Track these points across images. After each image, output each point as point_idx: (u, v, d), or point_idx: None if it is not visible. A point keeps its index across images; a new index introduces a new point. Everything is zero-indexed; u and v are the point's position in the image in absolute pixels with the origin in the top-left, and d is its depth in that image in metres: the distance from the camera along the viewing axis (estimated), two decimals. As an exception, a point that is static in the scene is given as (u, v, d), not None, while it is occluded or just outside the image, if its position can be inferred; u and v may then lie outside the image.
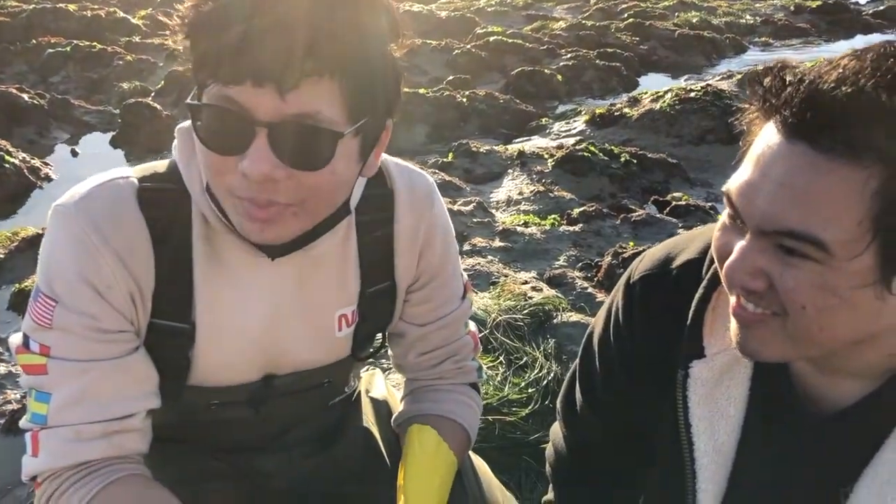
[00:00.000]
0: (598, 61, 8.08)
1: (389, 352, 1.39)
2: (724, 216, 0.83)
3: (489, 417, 2.22)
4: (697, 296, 0.94)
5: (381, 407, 1.44)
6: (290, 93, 0.86)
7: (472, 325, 1.39)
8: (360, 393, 1.44)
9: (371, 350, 1.30)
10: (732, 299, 0.83)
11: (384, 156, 1.23)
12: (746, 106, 0.81)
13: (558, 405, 1.33)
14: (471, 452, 1.41)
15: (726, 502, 0.97)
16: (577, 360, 1.22)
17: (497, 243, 3.61)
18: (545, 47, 8.87)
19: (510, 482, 2.03)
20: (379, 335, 1.32)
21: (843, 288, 0.72)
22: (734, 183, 0.79)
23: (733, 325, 0.83)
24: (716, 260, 0.84)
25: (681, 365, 0.93)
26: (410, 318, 1.29)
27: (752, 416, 0.93)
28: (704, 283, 0.94)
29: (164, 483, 1.13)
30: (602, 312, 1.15)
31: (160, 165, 1.10)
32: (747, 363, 0.92)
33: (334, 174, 0.94)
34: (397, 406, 1.41)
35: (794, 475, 0.92)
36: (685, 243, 1.05)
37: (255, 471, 1.29)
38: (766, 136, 0.77)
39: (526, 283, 3.16)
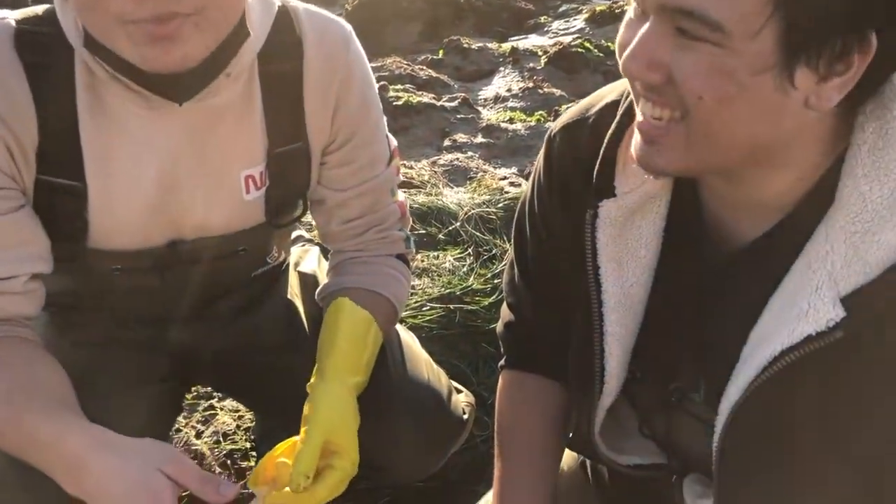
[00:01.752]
0: (604, -42, 7.72)
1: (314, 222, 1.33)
2: (629, 13, 0.76)
3: (451, 306, 2.18)
4: (609, 133, 0.88)
5: (307, 280, 1.39)
6: None
7: (401, 195, 1.32)
8: (288, 267, 1.39)
9: (291, 218, 1.24)
10: (639, 115, 0.77)
11: (294, 1, 1.14)
12: None
13: (504, 280, 1.27)
14: (399, 327, 1.37)
15: (637, 346, 0.93)
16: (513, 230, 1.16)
17: (479, 139, 3.51)
18: (550, -56, 8.47)
19: (468, 368, 2.00)
20: (300, 202, 1.25)
21: (742, 73, 0.66)
22: None
23: (636, 140, 0.78)
24: (619, 61, 0.76)
25: (590, 204, 0.87)
26: (329, 183, 1.22)
27: (664, 258, 0.88)
28: (617, 119, 0.88)
29: (62, 347, 1.09)
30: (530, 177, 1.09)
31: (39, 9, 1.01)
32: (659, 202, 0.87)
33: None
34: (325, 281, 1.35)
35: (702, 314, 0.87)
36: (609, 89, 0.97)
37: (170, 342, 1.26)
38: None
39: (504, 178, 3.07)
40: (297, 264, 1.42)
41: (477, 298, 2.23)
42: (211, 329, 1.28)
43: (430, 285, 2.28)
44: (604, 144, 0.88)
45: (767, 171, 0.76)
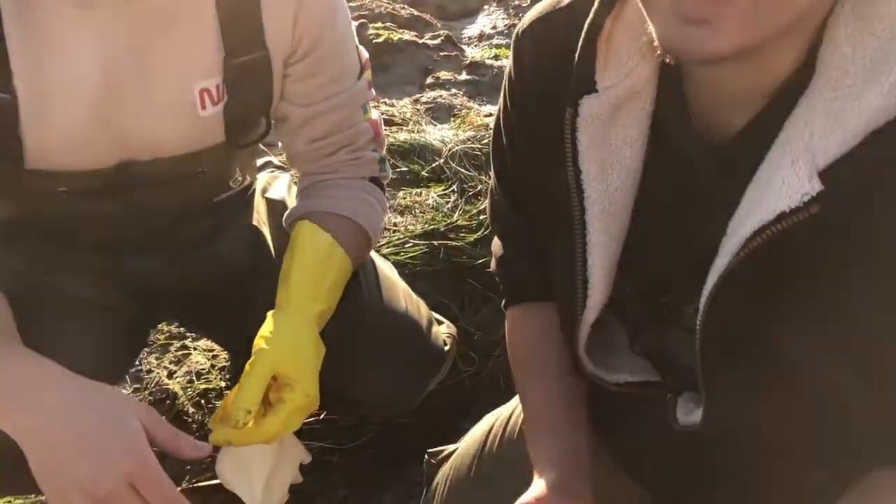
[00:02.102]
0: None
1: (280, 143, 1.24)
2: None
3: (434, 242, 2.10)
4: (587, 23, 0.78)
5: (276, 206, 1.30)
6: None
7: (375, 113, 1.23)
8: (254, 193, 1.31)
9: (254, 137, 1.15)
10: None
11: None
12: None
13: (488, 209, 1.19)
14: (376, 255, 1.29)
15: (626, 258, 0.85)
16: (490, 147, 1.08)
17: (463, 76, 3.40)
18: None
19: (453, 305, 1.94)
20: (263, 120, 1.16)
21: None
22: None
23: (668, 28, 0.66)
24: None
25: (569, 102, 0.78)
26: (293, 98, 1.13)
27: (650, 160, 0.80)
28: (595, 7, 0.78)
29: (4, 274, 1.01)
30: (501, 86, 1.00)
31: None
32: (644, 99, 0.78)
33: None
34: (295, 207, 1.27)
35: (692, 218, 0.80)
36: None
37: (127, 271, 1.18)
38: None
39: (490, 115, 2.97)
40: (264, 190, 1.34)
41: (462, 234, 2.15)
42: (171, 258, 1.20)
43: (413, 222, 2.20)
44: (582, 36, 0.79)
45: (788, 41, 0.67)
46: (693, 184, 0.80)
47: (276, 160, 1.46)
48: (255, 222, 1.26)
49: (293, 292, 1.01)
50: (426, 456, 1.41)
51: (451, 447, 1.39)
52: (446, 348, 1.26)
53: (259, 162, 1.40)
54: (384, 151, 1.24)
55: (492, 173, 1.05)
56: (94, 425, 0.78)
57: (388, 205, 1.42)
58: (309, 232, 1.07)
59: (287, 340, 0.96)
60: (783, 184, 0.65)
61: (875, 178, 0.63)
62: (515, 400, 1.28)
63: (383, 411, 1.22)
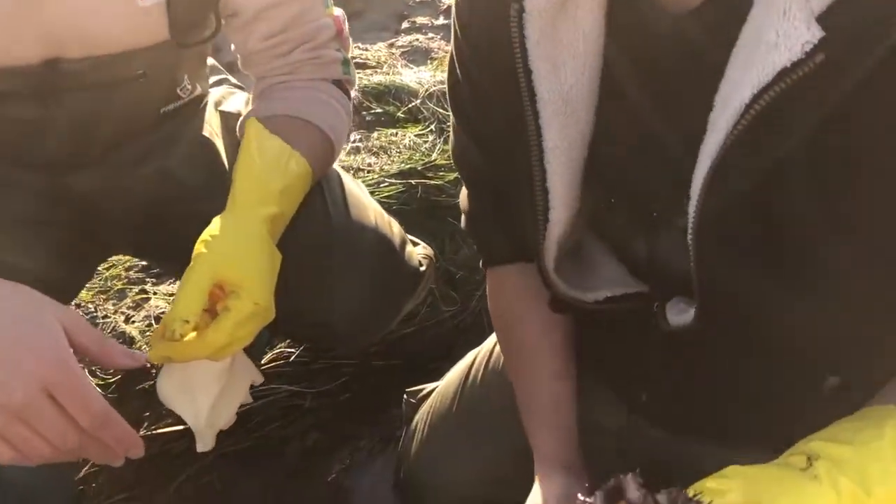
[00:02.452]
0: None
1: (233, 46, 1.11)
2: None
3: (412, 181, 1.99)
4: None
5: (230, 120, 1.18)
6: None
7: (338, 10, 1.10)
8: (206, 105, 1.18)
9: (201, 36, 1.02)
10: None
11: None
12: None
13: (452, 153, 1.09)
14: (341, 171, 1.17)
15: (603, 167, 0.76)
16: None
17: (440, 21, 3.26)
18: None
19: (433, 244, 1.82)
20: (212, 17, 1.03)
21: None
22: None
23: None
24: None
25: None
26: (243, -12, 1.00)
27: (610, 55, 0.71)
28: None
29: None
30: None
31: None
32: None
33: None
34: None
35: (666, 110, 0.71)
36: None
37: (67, 190, 1.05)
38: None
39: (469, 57, 2.85)
40: (218, 103, 1.21)
41: (441, 173, 2.04)
42: (117, 174, 1.07)
43: (389, 162, 2.08)
44: None
45: None
46: (661, 73, 0.70)
47: (232, 79, 1.33)
48: (207, 134, 1.14)
49: (238, 193, 0.89)
50: (405, 396, 1.31)
51: (430, 385, 1.30)
52: (422, 269, 1.15)
53: (213, 79, 1.28)
54: (349, 53, 1.12)
55: (451, 114, 0.95)
56: (4, 326, 0.66)
57: (359, 136, 1.30)
58: (256, 131, 0.95)
59: (230, 242, 0.84)
60: (779, 36, 0.56)
61: (876, 21, 0.54)
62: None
63: (353, 337, 1.10)
